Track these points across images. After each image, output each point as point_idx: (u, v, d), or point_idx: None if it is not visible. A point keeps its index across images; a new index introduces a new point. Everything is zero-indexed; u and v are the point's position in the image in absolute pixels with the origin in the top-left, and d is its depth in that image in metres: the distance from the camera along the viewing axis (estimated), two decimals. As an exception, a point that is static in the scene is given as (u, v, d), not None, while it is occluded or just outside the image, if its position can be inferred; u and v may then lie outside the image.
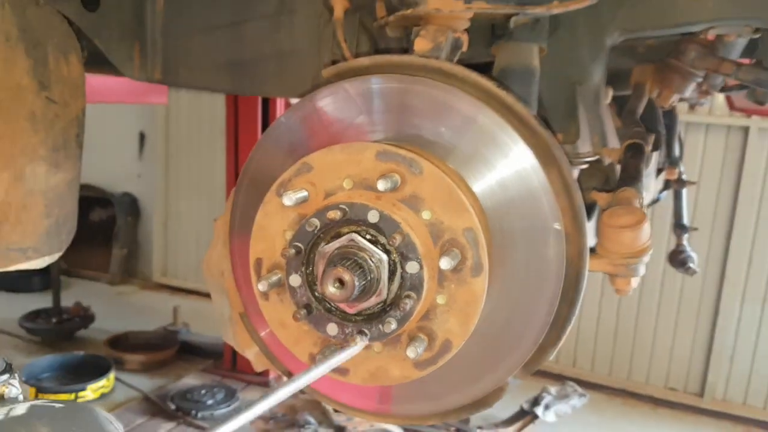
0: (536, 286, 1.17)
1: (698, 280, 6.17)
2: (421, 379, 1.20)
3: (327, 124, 1.22)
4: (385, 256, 1.06)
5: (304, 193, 1.10)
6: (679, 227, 3.29)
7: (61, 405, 0.65)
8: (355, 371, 1.14)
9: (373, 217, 1.05)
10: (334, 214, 1.05)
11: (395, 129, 1.19)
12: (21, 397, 0.71)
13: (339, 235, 1.08)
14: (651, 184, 2.31)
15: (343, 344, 1.11)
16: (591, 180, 1.83)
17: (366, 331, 1.08)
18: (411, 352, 1.05)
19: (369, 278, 1.04)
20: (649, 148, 1.65)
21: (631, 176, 1.41)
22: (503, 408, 5.40)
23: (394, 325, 1.06)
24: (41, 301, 6.81)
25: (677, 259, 3.24)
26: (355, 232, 1.07)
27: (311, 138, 1.22)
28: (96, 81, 4.97)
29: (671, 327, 6.38)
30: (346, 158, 1.10)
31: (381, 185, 1.04)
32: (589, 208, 1.59)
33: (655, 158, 2.35)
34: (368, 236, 1.07)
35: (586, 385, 6.10)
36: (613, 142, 1.70)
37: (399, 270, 1.06)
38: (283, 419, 5.35)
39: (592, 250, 1.36)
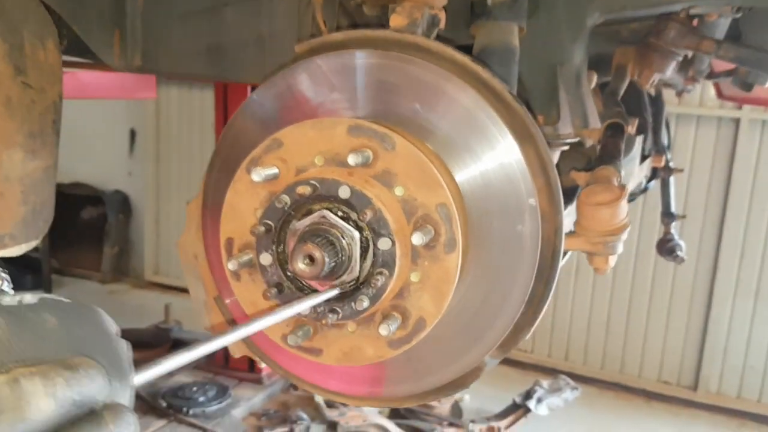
0: (512, 263, 1.16)
1: (690, 272, 6.17)
2: (410, 360, 1.18)
3: (300, 101, 1.20)
4: (356, 233, 1.04)
5: (275, 170, 1.09)
6: (666, 215, 3.28)
7: (68, 301, 0.68)
8: (329, 351, 1.13)
9: (344, 193, 1.03)
10: (304, 190, 1.03)
11: (370, 106, 1.17)
12: (6, 285, 0.77)
13: (310, 212, 1.06)
14: (635, 168, 2.30)
15: (315, 324, 1.09)
16: (572, 163, 1.81)
17: (338, 309, 1.06)
18: (384, 330, 1.04)
19: (340, 256, 1.02)
20: (630, 129, 1.64)
21: (610, 155, 1.40)
22: (495, 401, 5.39)
23: (366, 303, 1.04)
24: (32, 299, 6.76)
25: (665, 247, 3.24)
26: (327, 208, 1.05)
27: (284, 116, 1.20)
28: (85, 76, 4.92)
29: (664, 320, 6.37)
30: (318, 134, 1.09)
31: (352, 160, 1.02)
32: (572, 191, 1.58)
33: (639, 143, 2.34)
34: (340, 213, 1.05)
35: (579, 378, 6.10)
36: (595, 125, 1.69)
37: (371, 247, 1.05)
38: (276, 415, 5.34)
39: (572, 232, 1.34)
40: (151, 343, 6.03)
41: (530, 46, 1.51)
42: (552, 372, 6.20)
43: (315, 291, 1.09)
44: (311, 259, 1.00)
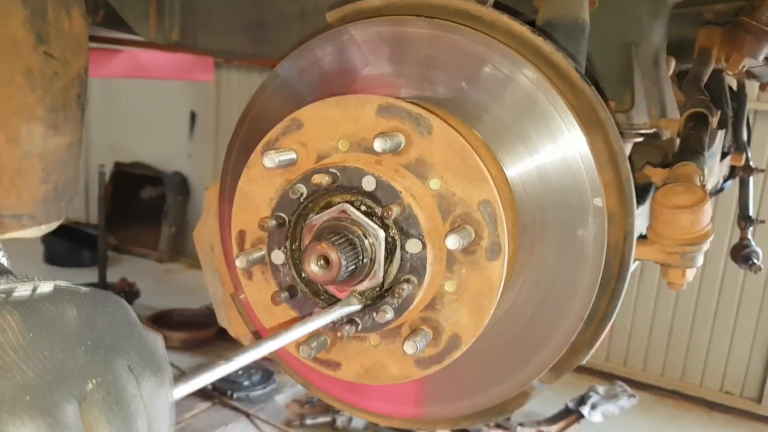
0: (570, 274, 0.97)
1: (761, 277, 5.75)
2: (442, 380, 1.02)
3: (329, 77, 1.04)
4: (381, 232, 0.88)
5: (292, 155, 0.93)
6: (743, 219, 2.98)
7: (86, 289, 0.59)
8: (348, 366, 0.97)
9: (368, 184, 0.87)
10: (322, 179, 0.87)
11: (408, 83, 1.00)
12: (5, 260, 0.67)
13: (329, 206, 0.90)
14: (715, 166, 2.05)
15: (333, 336, 0.94)
16: (646, 157, 1.60)
17: (357, 320, 0.90)
18: (409, 347, 0.87)
19: (361, 258, 0.86)
20: (714, 120, 1.41)
21: (692, 150, 1.19)
22: (547, 405, 5.16)
23: (390, 315, 0.88)
24: (90, 275, 6.89)
25: (740, 254, 2.94)
26: (349, 202, 0.89)
27: (310, 94, 1.05)
28: (143, 56, 4.91)
29: (730, 328, 5.98)
30: (342, 114, 0.93)
31: (378, 145, 0.86)
32: (644, 189, 1.37)
33: (720, 138, 2.08)
34: (363, 207, 0.89)
35: (636, 385, 5.79)
36: (674, 115, 1.47)
37: (398, 249, 0.88)
38: (319, 404, 5.25)
39: (644, 237, 1.14)
40: (201, 323, 6.05)
41: (602, 21, 1.31)
42: (608, 377, 5.90)
43: (332, 297, 0.93)
44: (326, 260, 0.84)
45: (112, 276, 6.79)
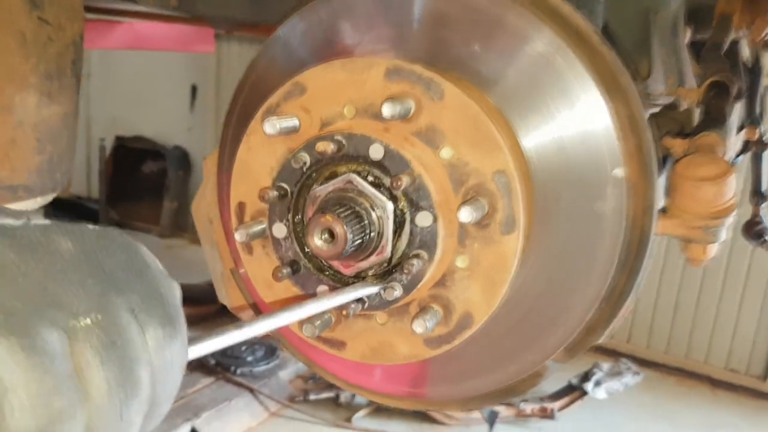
0: (586, 249, 0.92)
1: (770, 256, 5.71)
2: (452, 359, 0.97)
3: (333, 39, 0.98)
4: (390, 204, 0.83)
5: (294, 122, 0.88)
6: (756, 195, 2.92)
7: (94, 227, 0.53)
8: (353, 345, 0.93)
9: (376, 152, 0.82)
10: (326, 147, 0.82)
11: (417, 45, 0.94)
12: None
13: (334, 176, 0.85)
14: (731, 139, 1.99)
15: (338, 314, 0.89)
16: (661, 129, 1.54)
17: (364, 297, 0.85)
18: (418, 326, 0.83)
19: (368, 232, 0.81)
20: (734, 89, 1.35)
21: (714, 119, 1.13)
22: (551, 381, 5.15)
23: (398, 292, 0.83)
24: (91, 250, 6.86)
25: (753, 230, 2.88)
26: (355, 172, 0.84)
27: (314, 56, 0.99)
28: (141, 27, 4.82)
29: (736, 304, 5.94)
30: (348, 77, 0.87)
31: (387, 110, 0.80)
32: (660, 162, 1.32)
33: (738, 110, 2.02)
34: (370, 178, 0.84)
35: (641, 362, 5.77)
36: (691, 85, 1.40)
37: (408, 222, 0.83)
38: (322, 379, 5.25)
39: (663, 211, 1.09)
40: (201, 299, 6.02)
41: (620, -15, 1.25)
42: (612, 354, 5.88)
43: (337, 273, 0.88)
44: (331, 234, 0.79)
45: (115, 251, 6.75)
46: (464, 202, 0.81)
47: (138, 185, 8.95)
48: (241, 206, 0.95)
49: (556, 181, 0.92)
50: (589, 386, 4.89)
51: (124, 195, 8.55)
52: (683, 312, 6.11)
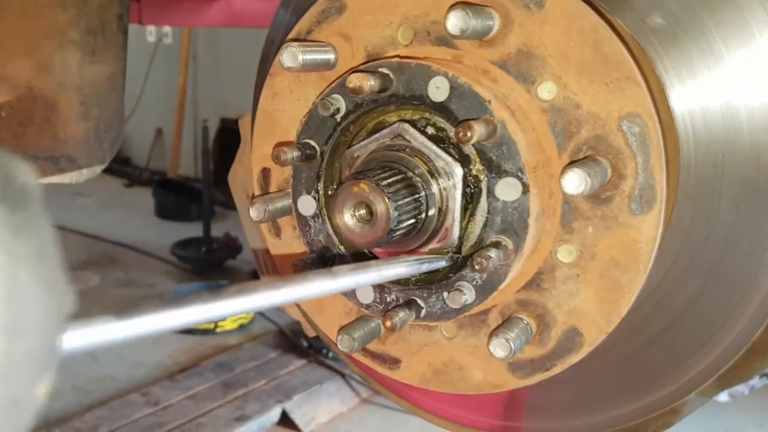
0: (753, 244, 0.61)
1: None
2: (561, 381, 0.70)
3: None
4: (459, 168, 0.55)
5: (327, 52, 0.62)
6: None
7: None
8: (410, 363, 0.66)
9: (437, 91, 0.55)
10: (361, 82, 0.55)
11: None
12: None
13: (380, 128, 0.59)
14: None
15: (384, 320, 0.63)
16: None
17: (420, 301, 0.59)
18: (499, 347, 0.55)
19: (425, 208, 0.55)
20: None
21: None
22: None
23: (469, 296, 0.56)
24: (196, 229, 6.99)
25: None
26: (407, 121, 0.57)
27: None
28: (237, 3, 4.78)
29: None
30: (403, -14, 0.60)
31: (455, 23, 0.53)
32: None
33: None
34: (430, 129, 0.57)
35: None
36: None
37: (484, 195, 0.56)
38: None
39: None
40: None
41: None
42: (740, 354, 5.29)
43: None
44: (368, 210, 0.54)
45: (217, 231, 6.86)
46: (572, 164, 0.53)
47: (242, 166, 9.10)
48: (265, 173, 0.71)
49: (715, 140, 0.61)
50: (713, 390, 4.38)
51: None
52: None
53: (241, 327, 5.42)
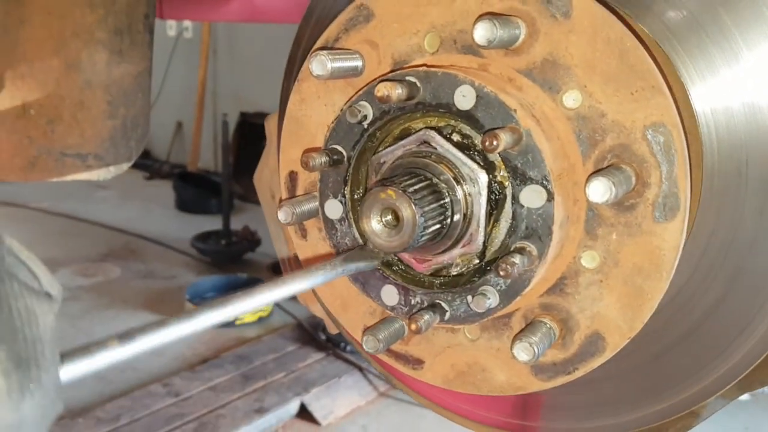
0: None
1: None
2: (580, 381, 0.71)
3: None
4: (484, 175, 0.57)
5: (355, 60, 0.63)
6: None
7: None
8: (434, 364, 0.68)
9: (464, 99, 0.56)
10: (389, 90, 0.56)
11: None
12: None
13: (406, 134, 0.60)
14: None
15: (410, 323, 0.65)
16: None
17: (444, 304, 0.60)
18: (522, 351, 0.57)
19: (450, 214, 0.56)
20: None
21: None
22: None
23: (493, 300, 0.57)
24: (216, 222, 7.05)
25: None
26: (433, 128, 0.59)
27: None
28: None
29: None
30: (431, -5, 0.61)
31: (482, 34, 0.54)
32: None
33: None
34: (456, 137, 0.58)
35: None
36: None
37: (509, 201, 0.57)
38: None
39: None
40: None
41: None
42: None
43: (408, 269, 0.63)
44: (395, 216, 0.55)
45: (236, 224, 6.91)
46: (597, 172, 0.54)
47: (261, 160, 9.13)
48: (292, 176, 0.72)
49: (739, 145, 0.61)
50: (732, 389, 4.34)
51: (249, 170, 8.74)
52: None
53: (260, 319, 5.46)
